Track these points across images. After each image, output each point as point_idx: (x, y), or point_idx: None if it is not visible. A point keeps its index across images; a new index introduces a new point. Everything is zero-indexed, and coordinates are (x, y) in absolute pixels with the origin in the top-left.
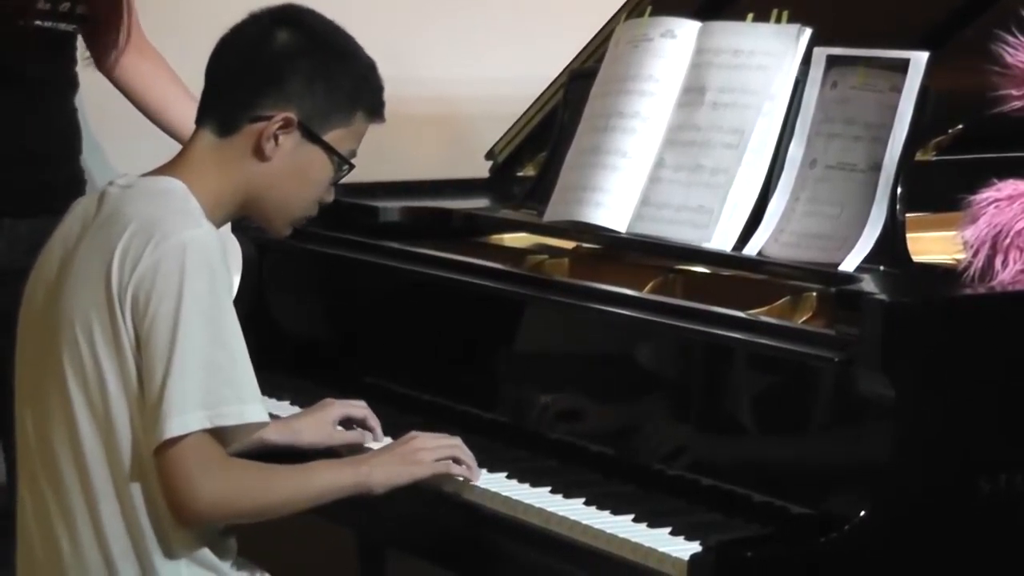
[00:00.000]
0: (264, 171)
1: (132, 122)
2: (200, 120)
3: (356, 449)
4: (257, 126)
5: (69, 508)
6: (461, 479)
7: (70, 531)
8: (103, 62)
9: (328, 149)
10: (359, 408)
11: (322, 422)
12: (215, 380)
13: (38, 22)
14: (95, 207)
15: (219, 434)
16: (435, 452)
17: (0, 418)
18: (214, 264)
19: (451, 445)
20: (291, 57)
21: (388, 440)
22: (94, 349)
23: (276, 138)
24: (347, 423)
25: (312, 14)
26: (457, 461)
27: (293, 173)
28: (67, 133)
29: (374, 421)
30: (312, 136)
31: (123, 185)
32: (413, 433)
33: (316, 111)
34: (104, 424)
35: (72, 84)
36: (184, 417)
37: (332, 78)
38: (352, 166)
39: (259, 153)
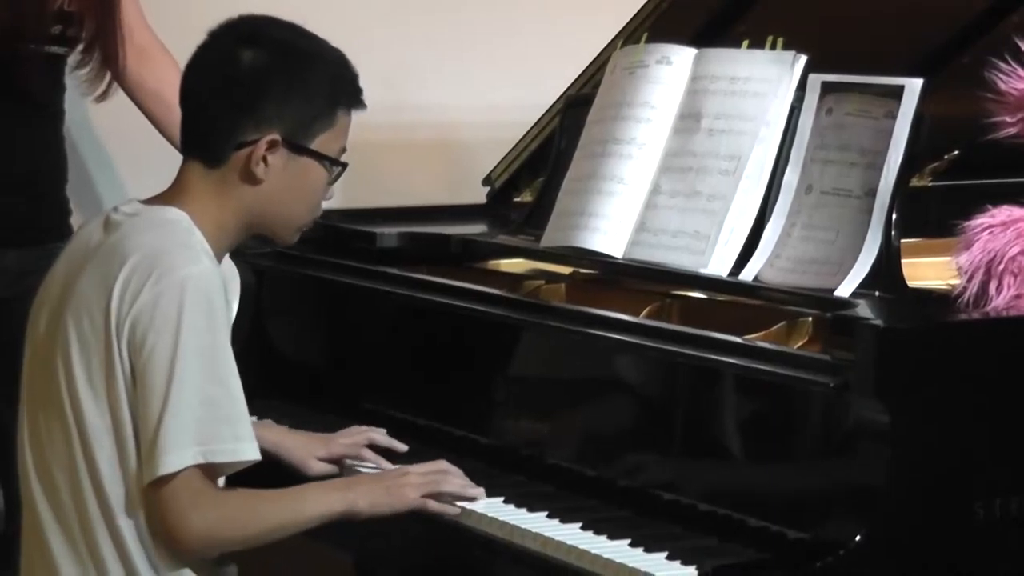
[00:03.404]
0: (260, 193)
1: (140, 144)
2: (186, 152)
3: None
4: (243, 153)
5: (69, 530)
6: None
7: (72, 552)
8: (112, 74)
9: (318, 156)
10: (363, 434)
11: (320, 448)
12: (211, 416)
13: (32, 45)
14: (100, 234)
15: (210, 468)
16: (420, 488)
17: None
18: (213, 301)
19: (438, 479)
20: (260, 77)
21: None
22: (91, 378)
23: (265, 160)
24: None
25: (270, 23)
26: (443, 492)
27: (289, 188)
28: (57, 162)
29: (390, 441)
30: (299, 148)
31: (128, 213)
32: (404, 468)
33: (297, 124)
34: (92, 456)
35: (61, 111)
36: (180, 453)
37: (305, 87)
38: (345, 164)
39: (251, 178)
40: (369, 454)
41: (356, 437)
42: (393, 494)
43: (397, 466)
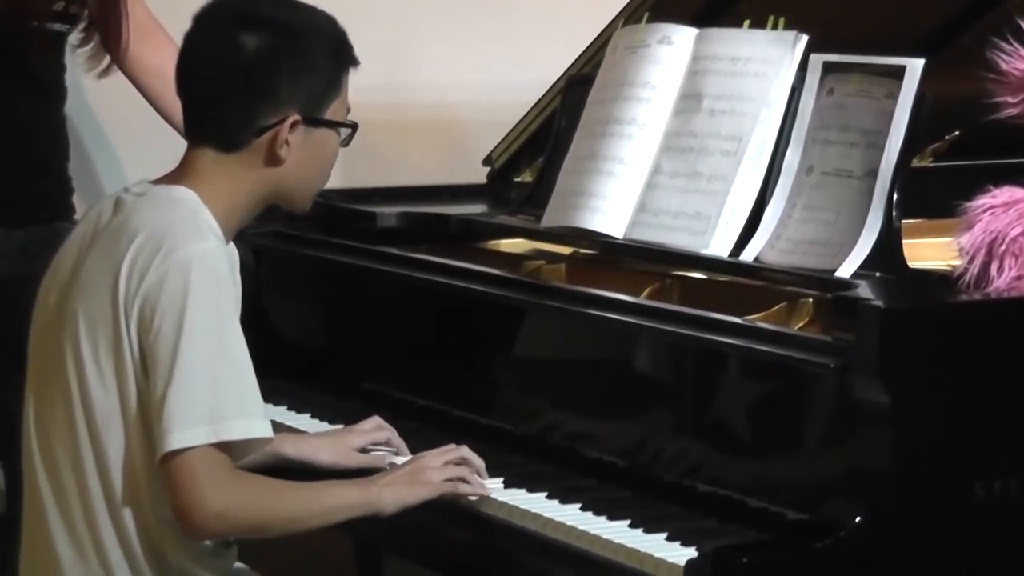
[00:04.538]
0: (281, 172)
1: (140, 124)
2: (193, 138)
3: (374, 471)
4: (265, 137)
5: (70, 513)
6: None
7: (71, 536)
8: (112, 55)
9: (333, 125)
10: (380, 432)
11: (342, 444)
12: (220, 394)
13: (36, 22)
14: (109, 213)
15: (224, 448)
16: (442, 471)
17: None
18: (220, 278)
19: (458, 459)
20: (269, 62)
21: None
22: (98, 358)
23: (287, 141)
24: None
25: (257, 2)
26: (465, 474)
27: (309, 160)
28: (60, 141)
29: (398, 440)
30: (316, 122)
31: (137, 193)
32: (421, 453)
33: (311, 99)
34: (98, 437)
35: (64, 91)
36: (188, 431)
37: (312, 62)
38: (356, 125)
39: (274, 160)
40: (396, 439)
41: (376, 434)
42: (416, 481)
43: (410, 456)
